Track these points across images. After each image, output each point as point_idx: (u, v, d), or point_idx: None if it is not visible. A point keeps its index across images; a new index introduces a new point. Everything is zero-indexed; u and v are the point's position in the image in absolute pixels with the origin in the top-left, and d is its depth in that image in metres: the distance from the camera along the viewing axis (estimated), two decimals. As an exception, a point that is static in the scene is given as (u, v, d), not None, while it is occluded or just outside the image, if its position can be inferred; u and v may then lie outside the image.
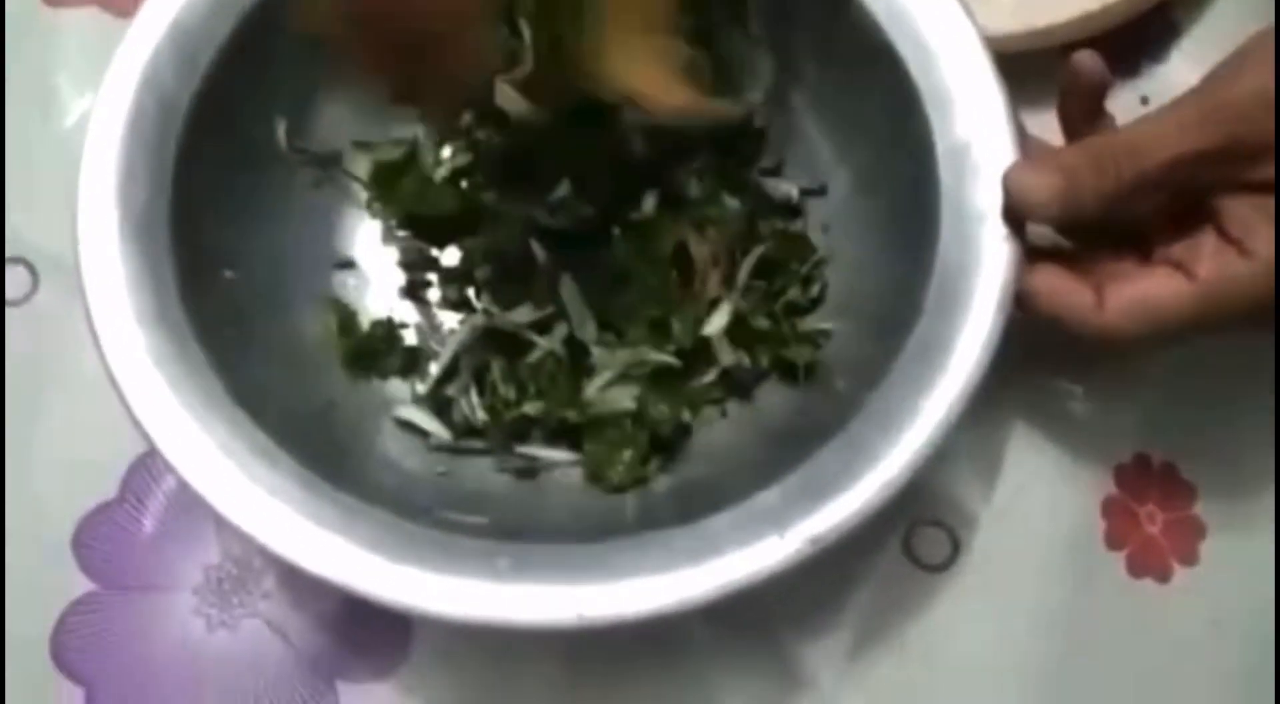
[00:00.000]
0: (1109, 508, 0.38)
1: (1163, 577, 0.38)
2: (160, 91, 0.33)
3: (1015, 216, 0.32)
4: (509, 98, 0.38)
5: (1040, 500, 0.38)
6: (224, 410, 0.31)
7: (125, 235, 0.31)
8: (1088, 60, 0.33)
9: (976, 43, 0.34)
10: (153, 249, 0.32)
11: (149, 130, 0.33)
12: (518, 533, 0.30)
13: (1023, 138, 0.33)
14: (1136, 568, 0.38)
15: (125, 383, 0.30)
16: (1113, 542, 0.38)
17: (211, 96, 0.34)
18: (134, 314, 0.31)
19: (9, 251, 0.40)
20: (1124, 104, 0.43)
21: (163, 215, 0.32)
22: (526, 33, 0.38)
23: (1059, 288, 0.32)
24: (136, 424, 0.30)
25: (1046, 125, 0.42)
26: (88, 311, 0.30)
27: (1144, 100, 0.43)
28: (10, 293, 0.39)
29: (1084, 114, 0.34)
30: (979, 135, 0.32)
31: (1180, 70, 0.43)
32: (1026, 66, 0.39)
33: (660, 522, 0.30)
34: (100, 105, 0.33)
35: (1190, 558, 0.38)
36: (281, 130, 0.37)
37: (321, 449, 0.32)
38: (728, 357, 0.36)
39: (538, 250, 0.36)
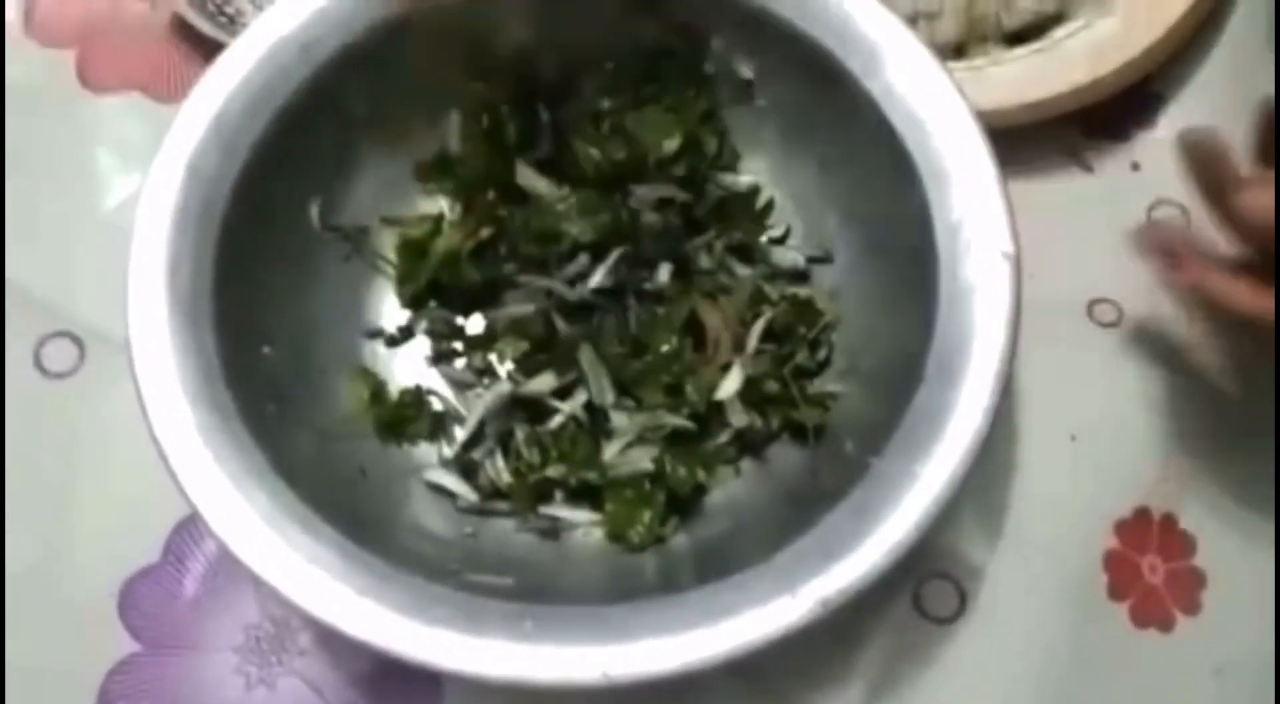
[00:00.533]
0: (1110, 560, 0.39)
1: (1165, 626, 0.39)
2: (203, 180, 0.35)
3: (1246, 236, 0.34)
4: (528, 177, 0.40)
5: (1044, 553, 0.39)
6: (264, 481, 0.32)
7: (173, 317, 0.33)
8: (1197, 134, 0.35)
9: (970, 121, 0.35)
10: (198, 329, 0.34)
11: (193, 217, 0.35)
12: (542, 594, 0.32)
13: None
14: (1140, 618, 0.39)
15: (173, 457, 0.32)
16: (1116, 593, 0.39)
17: (250, 182, 0.36)
18: (182, 392, 0.33)
19: (57, 326, 0.42)
20: (1115, 170, 0.45)
21: (207, 297, 0.34)
22: (544, 116, 0.41)
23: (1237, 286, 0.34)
24: (185, 496, 0.31)
25: (1039, 192, 0.44)
26: (139, 391, 0.32)
27: (1134, 166, 0.45)
28: (58, 366, 0.41)
29: (1218, 183, 0.35)
30: (974, 213, 0.34)
31: (1167, 136, 0.45)
32: (1020, 138, 0.41)
33: (680, 582, 0.32)
34: (148, 193, 0.35)
35: (1192, 607, 0.39)
36: (315, 210, 0.39)
37: (355, 515, 0.34)
38: (740, 419, 0.38)
39: (558, 322, 0.38)
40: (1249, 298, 0.34)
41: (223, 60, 0.37)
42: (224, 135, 0.36)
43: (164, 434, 0.32)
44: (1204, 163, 0.35)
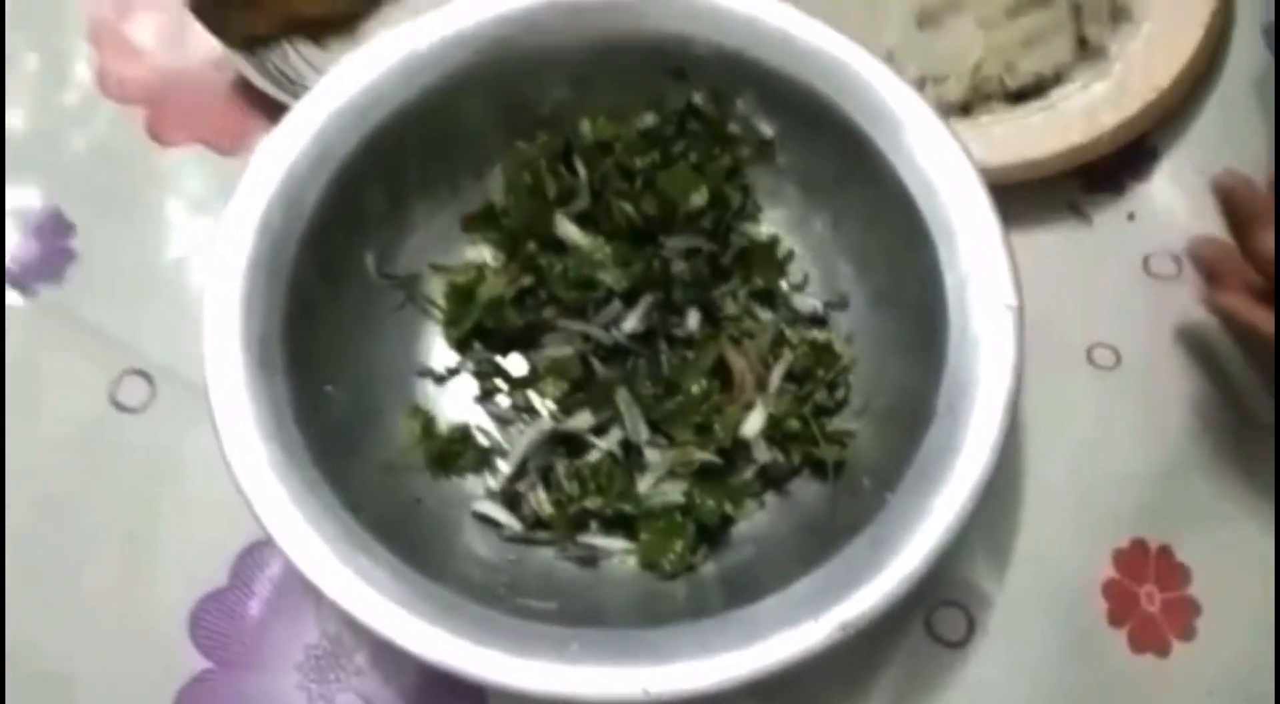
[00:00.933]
0: (1110, 589, 0.42)
1: (1162, 652, 0.42)
2: (272, 235, 0.38)
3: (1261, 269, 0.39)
4: (567, 228, 0.43)
5: (1047, 582, 0.42)
6: (331, 511, 0.35)
7: (247, 362, 0.36)
8: (1225, 179, 0.40)
9: (976, 182, 0.39)
10: (269, 373, 0.37)
11: (263, 269, 0.38)
12: (584, 618, 0.35)
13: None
14: (1137, 644, 0.42)
15: (250, 491, 0.35)
16: (1115, 619, 0.42)
17: (313, 236, 0.39)
18: (256, 432, 0.36)
19: (131, 364, 0.45)
20: (1112, 221, 0.48)
21: (276, 341, 0.37)
22: (582, 172, 0.44)
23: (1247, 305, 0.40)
24: (262, 527, 0.34)
25: (1042, 242, 0.47)
26: (217, 432, 0.35)
27: (1130, 216, 0.48)
28: (131, 401, 0.45)
29: (1245, 221, 0.40)
30: (979, 268, 0.37)
31: (1162, 188, 0.48)
32: (1023, 191, 0.44)
33: (709, 608, 0.35)
34: (221, 247, 0.38)
35: (1188, 634, 0.42)
36: (371, 260, 0.42)
37: (412, 542, 0.37)
38: (764, 455, 0.40)
39: (596, 364, 0.41)
40: (1262, 319, 0.39)
41: (288, 122, 0.40)
42: (290, 193, 0.39)
43: (241, 471, 0.35)
44: (1233, 202, 0.40)
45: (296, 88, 0.48)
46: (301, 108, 0.40)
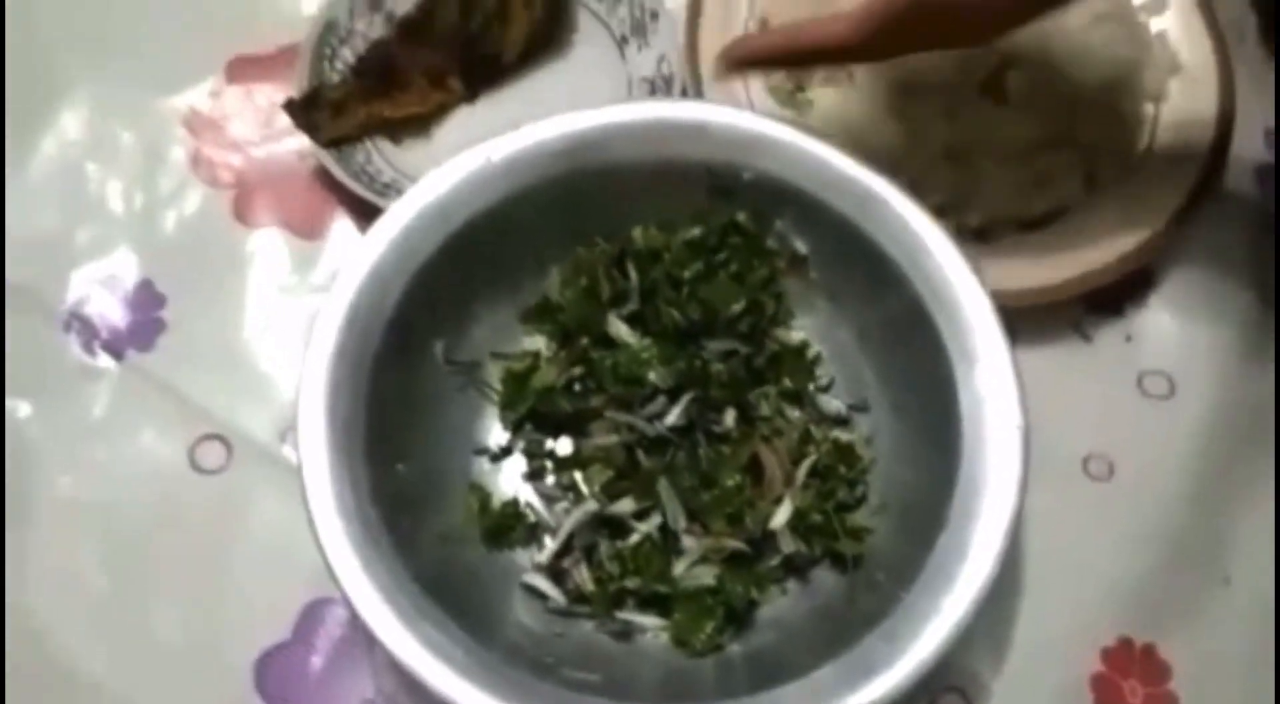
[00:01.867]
0: (1097, 683, 0.46)
1: (1144, 743, 0.45)
2: (360, 323, 0.43)
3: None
4: (618, 327, 0.48)
5: (1040, 674, 0.46)
6: (401, 583, 0.39)
7: (333, 443, 0.40)
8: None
9: (991, 311, 0.43)
10: (351, 451, 0.41)
11: (350, 355, 0.42)
12: (625, 691, 0.39)
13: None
14: (1122, 734, 0.46)
15: (335, 563, 0.39)
16: (1101, 711, 0.46)
17: (395, 327, 0.44)
18: (336, 508, 0.39)
19: (209, 430, 0.49)
20: (1110, 341, 0.53)
21: (359, 424, 0.41)
22: (634, 276, 0.48)
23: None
24: (345, 597, 0.38)
25: (1045, 358, 0.51)
26: (308, 507, 0.39)
27: (1128, 338, 0.52)
28: (209, 464, 0.49)
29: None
30: (993, 390, 0.41)
31: (1157, 312, 0.53)
32: (1030, 313, 0.48)
33: (736, 689, 0.39)
34: (316, 334, 0.42)
35: (1166, 728, 0.46)
36: (439, 349, 0.46)
37: (467, 610, 0.40)
38: (789, 545, 0.44)
39: (640, 455, 0.46)
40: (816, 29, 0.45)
41: (377, 226, 0.44)
42: (375, 290, 0.43)
43: (326, 540, 0.39)
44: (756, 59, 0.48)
45: (375, 182, 0.52)
46: (394, 210, 0.44)
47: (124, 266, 0.52)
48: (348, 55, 0.56)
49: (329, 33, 0.56)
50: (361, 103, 0.54)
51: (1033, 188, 0.51)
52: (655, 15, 0.57)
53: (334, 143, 0.53)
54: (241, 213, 0.54)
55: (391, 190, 0.52)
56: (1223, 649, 0.47)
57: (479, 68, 0.57)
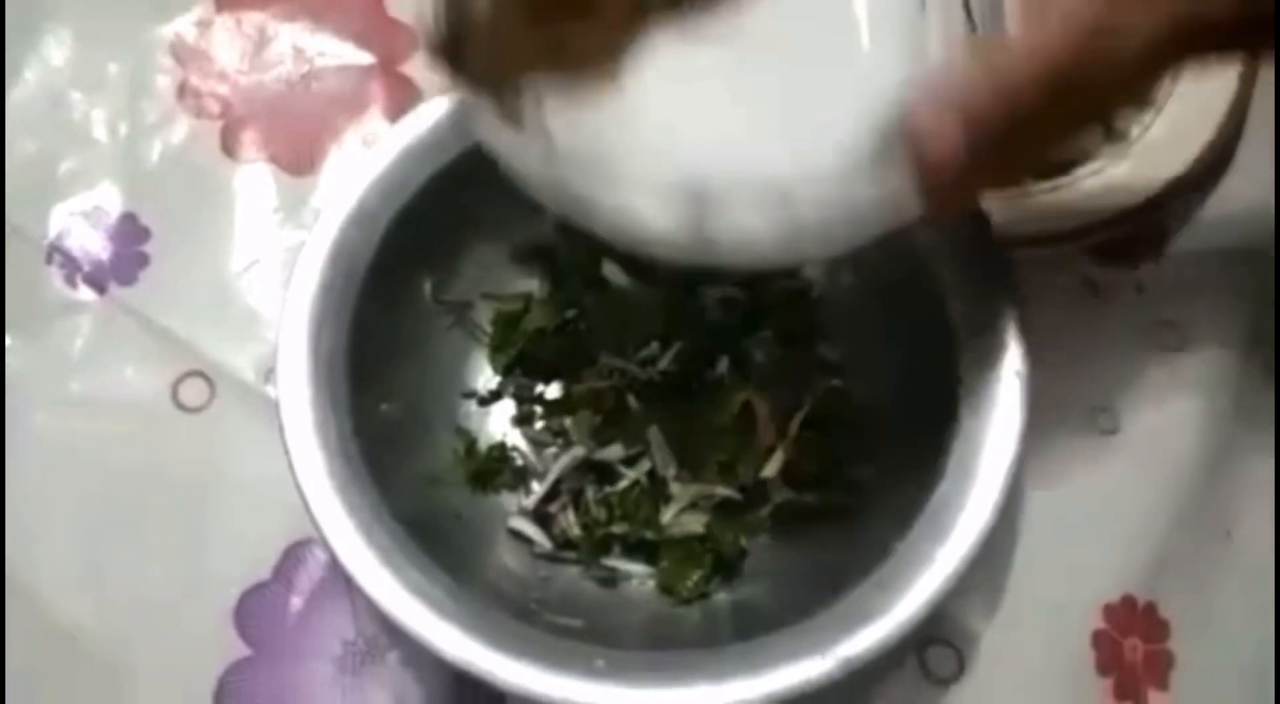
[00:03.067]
0: (1098, 639, 0.45)
1: (1140, 701, 0.44)
2: (345, 259, 0.41)
3: None
4: (613, 272, 0.46)
5: (1038, 629, 0.45)
6: (381, 520, 0.38)
7: (314, 380, 0.39)
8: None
9: (995, 252, 0.41)
10: (334, 386, 0.40)
11: (336, 290, 0.41)
12: (606, 638, 0.38)
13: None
14: (1120, 692, 0.44)
15: (311, 497, 0.38)
16: (1101, 668, 0.44)
17: (381, 263, 0.42)
18: (317, 441, 0.38)
19: (193, 366, 0.48)
20: (1121, 293, 0.51)
21: (341, 361, 0.40)
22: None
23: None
24: (319, 532, 0.37)
25: (1054, 312, 0.50)
26: (285, 439, 0.38)
27: (1139, 288, 0.51)
28: (191, 401, 0.48)
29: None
30: (992, 336, 0.40)
31: (1169, 264, 0.51)
32: (1038, 263, 0.47)
33: (720, 637, 0.38)
34: (300, 269, 0.41)
35: (1163, 684, 0.45)
36: (428, 287, 0.45)
37: (453, 552, 0.40)
38: (780, 495, 0.43)
39: (630, 399, 0.44)
40: None
41: (366, 158, 0.43)
42: (362, 223, 0.42)
43: (304, 479, 0.38)
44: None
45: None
46: (378, 148, 0.43)
47: (107, 199, 0.51)
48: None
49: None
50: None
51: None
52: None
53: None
54: (229, 146, 0.52)
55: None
56: (1221, 607, 0.46)
57: None
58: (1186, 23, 0.31)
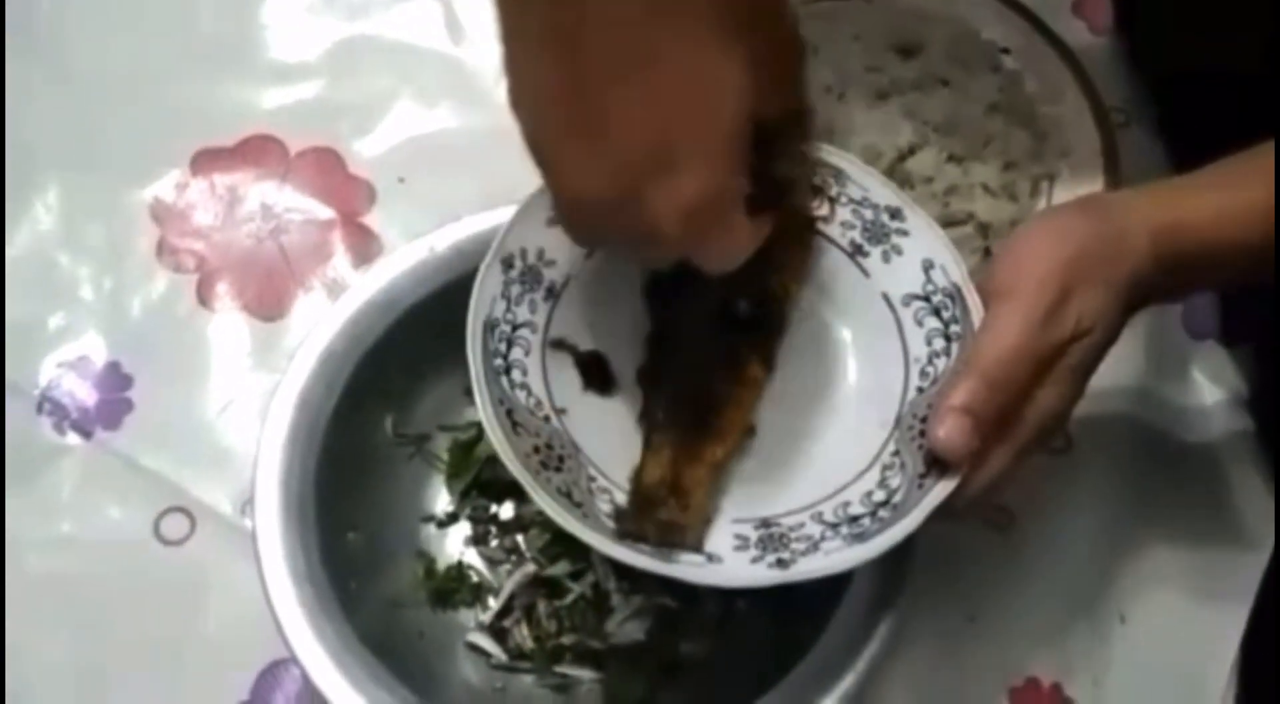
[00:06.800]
0: (1009, 719, 0.50)
1: (1049, 777, 0.49)
2: (310, 409, 0.46)
3: None
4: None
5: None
6: (349, 644, 0.42)
7: (286, 518, 0.43)
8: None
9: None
10: (303, 522, 0.44)
11: (302, 437, 0.46)
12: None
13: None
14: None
15: (286, 625, 0.42)
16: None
17: (346, 403, 0.47)
18: (288, 574, 0.43)
19: (174, 503, 0.52)
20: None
21: (310, 498, 0.45)
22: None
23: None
24: (294, 657, 0.41)
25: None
26: (261, 574, 0.42)
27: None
28: (172, 535, 0.52)
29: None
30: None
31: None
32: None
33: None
34: (269, 420, 0.46)
35: (1069, 762, 0.49)
36: (389, 422, 0.50)
37: (414, 669, 0.44)
38: (715, 602, 0.48)
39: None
40: None
41: (333, 309, 0.48)
42: (327, 374, 0.47)
43: (279, 606, 0.42)
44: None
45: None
46: (339, 304, 0.48)
47: (93, 349, 0.56)
48: (521, 357, 0.42)
49: (489, 334, 0.41)
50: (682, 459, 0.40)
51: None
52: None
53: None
54: (205, 297, 0.57)
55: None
56: (1120, 684, 0.50)
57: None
58: None
